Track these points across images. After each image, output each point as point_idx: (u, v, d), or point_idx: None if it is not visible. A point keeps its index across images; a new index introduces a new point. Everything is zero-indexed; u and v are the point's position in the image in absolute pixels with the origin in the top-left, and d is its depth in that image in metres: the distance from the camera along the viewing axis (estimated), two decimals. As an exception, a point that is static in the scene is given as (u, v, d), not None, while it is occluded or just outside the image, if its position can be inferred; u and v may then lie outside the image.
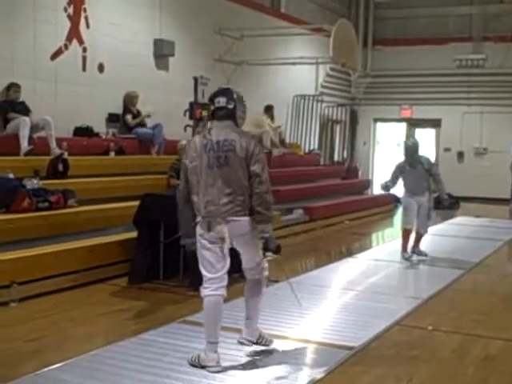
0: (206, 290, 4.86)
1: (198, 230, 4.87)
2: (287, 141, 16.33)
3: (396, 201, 17.36)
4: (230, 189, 4.77)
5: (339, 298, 7.30)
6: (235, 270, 7.88)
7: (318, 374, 4.85)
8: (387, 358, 5.38)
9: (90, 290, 7.13)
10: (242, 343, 5.19)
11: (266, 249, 4.81)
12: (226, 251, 4.89)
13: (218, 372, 4.80)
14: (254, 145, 4.87)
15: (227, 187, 4.77)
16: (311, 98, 17.71)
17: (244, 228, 4.84)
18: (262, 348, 5.23)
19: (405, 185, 9.58)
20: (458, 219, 15.22)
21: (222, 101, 4.87)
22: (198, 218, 4.87)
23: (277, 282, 7.92)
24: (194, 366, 4.88)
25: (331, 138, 19.57)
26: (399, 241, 11.67)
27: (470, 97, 19.64)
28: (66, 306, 6.52)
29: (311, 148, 18.10)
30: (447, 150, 20.49)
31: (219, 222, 4.78)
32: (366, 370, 5.09)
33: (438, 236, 12.46)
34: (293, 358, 5.19)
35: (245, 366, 4.95)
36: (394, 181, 9.51)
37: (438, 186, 9.73)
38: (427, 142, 21.31)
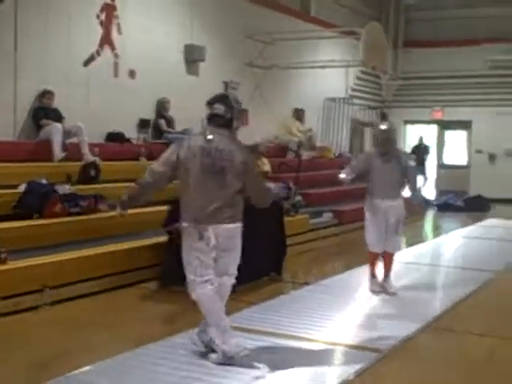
0: (197, 291, 4.94)
1: (188, 238, 4.91)
2: (318, 144, 16.33)
3: (425, 203, 17.30)
4: (219, 197, 4.84)
5: (368, 301, 7.28)
6: (264, 272, 8.00)
7: (347, 375, 4.86)
8: (417, 360, 5.38)
9: (120, 294, 7.20)
10: (194, 344, 5.17)
11: None
12: (212, 258, 4.94)
13: (246, 357, 4.83)
14: (251, 159, 5.08)
15: (217, 195, 4.83)
16: (341, 100, 17.71)
17: (231, 234, 4.92)
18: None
19: (371, 185, 7.37)
20: (489, 221, 15.06)
21: (220, 108, 4.94)
22: (185, 224, 4.90)
23: (307, 284, 7.98)
24: (221, 363, 4.91)
25: (361, 141, 19.52)
26: (430, 243, 11.63)
27: (501, 98, 19.42)
28: (97, 310, 6.62)
29: (341, 151, 18.08)
30: (479, 151, 20.31)
31: (206, 229, 4.82)
32: (395, 373, 5.10)
33: (468, 238, 12.40)
34: (322, 360, 5.21)
35: (274, 369, 4.96)
36: (356, 172, 7.44)
37: (413, 190, 7.76)
38: (459, 144, 21.22)
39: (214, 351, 5.00)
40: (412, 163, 7.60)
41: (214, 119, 4.97)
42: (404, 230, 7.81)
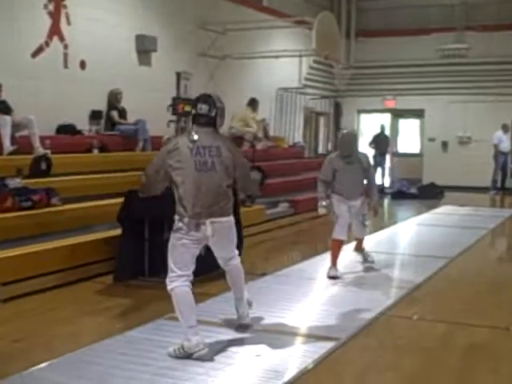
0: (174, 283, 5.06)
1: (181, 228, 5.05)
2: (271, 134, 16.34)
3: (381, 191, 17.44)
4: (215, 192, 5.07)
5: (325, 290, 7.32)
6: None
7: (306, 365, 4.88)
8: (373, 348, 5.42)
9: (75, 289, 7.10)
10: (243, 325, 5.64)
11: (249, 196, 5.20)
12: (198, 254, 5.21)
13: (206, 355, 4.91)
14: (237, 151, 5.36)
15: (212, 191, 5.06)
16: (295, 90, 17.72)
17: (228, 225, 5.23)
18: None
19: (336, 185, 7.83)
20: (443, 208, 15.28)
21: (204, 108, 5.14)
22: (185, 219, 5.02)
23: (264, 274, 7.97)
24: (179, 357, 4.92)
25: (315, 131, 19.60)
26: (385, 231, 11.77)
27: (453, 86, 19.69)
28: (52, 306, 6.49)
29: (295, 141, 18.11)
30: (431, 139, 20.58)
31: (204, 223, 5.04)
32: (353, 361, 5.15)
33: (422, 226, 12.56)
34: (280, 350, 5.21)
35: (233, 360, 4.97)
36: (328, 181, 7.81)
37: (373, 191, 8.13)
38: (412, 132, 21.48)
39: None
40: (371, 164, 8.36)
41: (198, 118, 5.17)
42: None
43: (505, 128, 18.36)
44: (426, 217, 13.87)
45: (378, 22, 20.74)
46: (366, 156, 8.23)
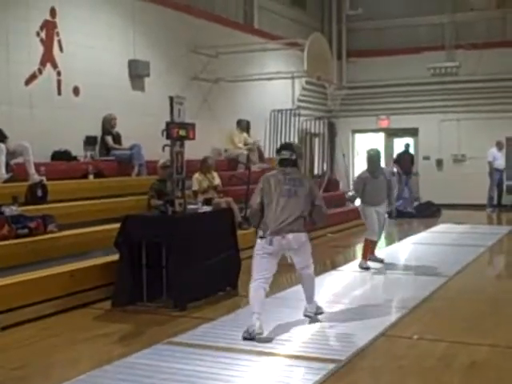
0: (252, 283, 6.27)
1: (262, 243, 6.26)
2: (266, 156, 16.33)
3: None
4: (294, 213, 6.28)
5: (324, 311, 7.27)
6: (220, 287, 7.95)
7: (306, 388, 4.83)
8: (374, 369, 5.38)
9: (73, 316, 7.05)
10: (308, 316, 6.73)
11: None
12: (276, 262, 6.38)
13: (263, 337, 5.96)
14: (314, 184, 6.74)
15: (293, 212, 6.28)
16: (288, 112, 17.76)
17: (302, 239, 6.38)
18: (319, 317, 6.78)
19: (365, 195, 9.64)
20: (440, 227, 15.29)
21: (286, 153, 6.55)
22: (267, 232, 6.21)
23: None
24: (246, 338, 5.94)
25: (310, 151, 19.61)
26: (382, 251, 11.75)
27: (445, 104, 19.83)
28: (50, 333, 6.44)
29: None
30: (426, 158, 20.64)
31: (284, 237, 6.23)
32: (354, 383, 5.09)
33: (420, 244, 12.54)
34: (280, 373, 5.18)
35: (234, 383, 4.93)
36: (359, 192, 9.69)
37: (391, 199, 10.07)
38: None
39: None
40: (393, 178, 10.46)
41: (282, 162, 6.53)
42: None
43: (499, 145, 18.42)
44: (424, 235, 13.86)
45: (369, 42, 20.90)
46: (386, 169, 10.38)
